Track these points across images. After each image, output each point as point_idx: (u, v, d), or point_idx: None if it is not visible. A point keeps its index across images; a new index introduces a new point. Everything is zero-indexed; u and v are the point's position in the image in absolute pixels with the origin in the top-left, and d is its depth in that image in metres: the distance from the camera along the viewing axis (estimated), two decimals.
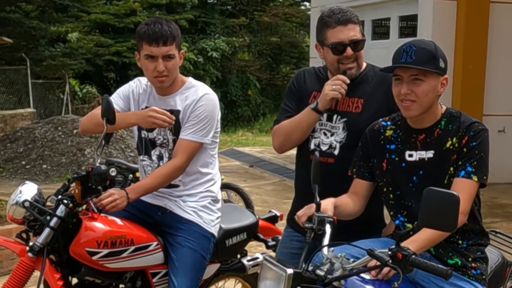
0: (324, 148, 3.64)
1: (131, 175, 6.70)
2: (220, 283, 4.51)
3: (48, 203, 3.65)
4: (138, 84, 3.96)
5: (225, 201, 4.23)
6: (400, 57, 3.06)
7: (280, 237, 4.26)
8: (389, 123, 3.32)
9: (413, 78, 3.06)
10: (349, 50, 3.53)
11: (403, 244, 2.68)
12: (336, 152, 3.61)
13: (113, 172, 3.50)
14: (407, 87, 3.07)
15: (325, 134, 3.65)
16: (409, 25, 13.07)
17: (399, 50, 3.09)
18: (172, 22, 3.83)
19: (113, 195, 3.57)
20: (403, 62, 3.04)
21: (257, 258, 4.30)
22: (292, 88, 3.84)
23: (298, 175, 3.85)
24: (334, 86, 3.51)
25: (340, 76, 3.55)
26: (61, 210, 3.52)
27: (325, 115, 3.63)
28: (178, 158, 3.77)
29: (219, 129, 3.96)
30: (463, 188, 3.00)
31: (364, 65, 3.69)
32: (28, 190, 3.62)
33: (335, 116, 3.62)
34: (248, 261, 4.30)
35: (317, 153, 3.08)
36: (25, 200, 3.55)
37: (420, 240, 2.93)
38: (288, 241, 3.82)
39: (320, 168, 3.49)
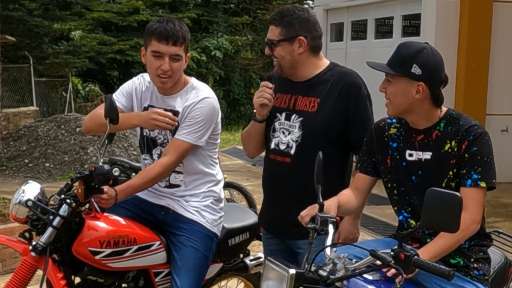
0: (282, 147, 3.70)
1: (133, 174, 6.69)
2: (223, 283, 4.51)
3: (51, 203, 3.65)
4: (141, 81, 3.95)
5: (227, 200, 4.24)
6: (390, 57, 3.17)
7: None
8: (394, 121, 3.35)
9: (387, 79, 3.16)
10: None
11: None
12: (292, 151, 3.66)
13: (116, 171, 3.49)
14: (382, 85, 3.19)
15: (283, 133, 3.71)
16: (412, 24, 13.05)
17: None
18: (184, 24, 3.83)
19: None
20: (387, 61, 3.15)
21: (259, 257, 4.31)
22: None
23: (263, 176, 3.93)
24: (259, 93, 3.63)
25: (263, 82, 3.69)
26: (64, 210, 3.52)
27: (283, 114, 3.71)
28: (168, 157, 3.76)
29: (219, 131, 3.96)
30: (472, 198, 3.02)
31: (326, 63, 3.73)
32: (31, 190, 3.62)
33: (293, 116, 3.67)
34: (251, 260, 4.31)
35: (320, 152, 3.09)
36: (28, 200, 3.54)
37: (432, 250, 2.96)
38: (265, 239, 3.96)
39: (278, 168, 3.63)
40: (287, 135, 3.67)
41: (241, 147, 16.39)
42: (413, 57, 3.08)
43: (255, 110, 3.69)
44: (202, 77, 21.35)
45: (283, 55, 3.63)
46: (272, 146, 3.73)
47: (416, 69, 3.07)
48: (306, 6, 29.52)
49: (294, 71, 3.67)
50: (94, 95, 23.41)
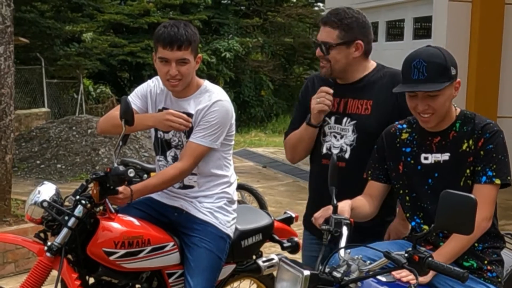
0: (335, 151, 3.64)
1: (145, 175, 6.73)
2: (235, 284, 4.51)
3: (66, 203, 3.68)
4: (156, 84, 3.97)
5: (239, 201, 4.25)
6: (411, 74, 3.06)
7: (296, 239, 4.31)
8: (404, 126, 3.34)
9: (427, 95, 3.06)
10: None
11: None
12: (347, 155, 3.62)
13: (131, 173, 3.51)
14: (423, 103, 3.08)
15: (335, 137, 3.66)
16: (423, 26, 13.04)
17: (408, 65, 3.08)
18: (190, 25, 3.82)
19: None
20: (416, 80, 3.04)
21: (272, 259, 4.31)
22: (299, 98, 3.90)
23: (311, 180, 3.88)
24: (319, 99, 3.55)
25: (323, 87, 3.59)
26: (79, 211, 3.55)
27: (333, 118, 3.65)
28: (184, 161, 3.78)
29: (233, 133, 3.97)
30: (485, 195, 3.03)
31: (374, 65, 3.69)
32: (46, 190, 3.65)
33: (345, 119, 3.63)
34: (263, 262, 4.31)
35: (334, 155, 3.10)
36: (44, 200, 3.57)
37: (446, 252, 2.97)
38: (307, 244, 3.88)
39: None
40: (340, 139, 3.63)
41: (252, 149, 16.54)
42: (446, 61, 3.05)
43: (310, 115, 3.60)
44: (212, 79, 21.42)
45: (338, 59, 3.55)
46: (324, 151, 3.68)
47: (453, 71, 3.07)
48: (316, 8, 29.56)
49: (344, 74, 3.61)
50: (105, 97, 23.49)
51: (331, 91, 3.56)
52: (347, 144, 3.62)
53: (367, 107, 3.58)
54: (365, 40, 3.58)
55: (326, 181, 3.43)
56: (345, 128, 3.63)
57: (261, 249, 4.38)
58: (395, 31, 13.82)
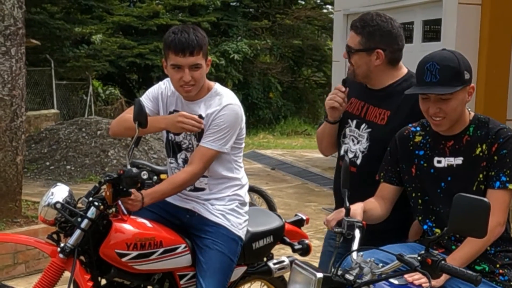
0: (350, 155, 3.68)
1: (155, 177, 6.73)
2: (246, 286, 4.53)
3: (79, 205, 3.70)
4: (167, 86, 3.97)
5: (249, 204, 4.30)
6: (424, 76, 3.07)
7: (306, 241, 4.32)
8: (418, 129, 3.34)
9: (439, 98, 3.08)
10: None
11: None
12: (358, 161, 3.65)
13: (144, 175, 3.53)
14: (435, 106, 3.09)
15: (353, 140, 3.69)
16: (432, 29, 13.01)
17: (422, 68, 3.09)
18: (199, 29, 3.82)
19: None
20: (428, 83, 3.05)
21: (283, 261, 4.32)
22: None
23: (335, 179, 3.89)
24: (331, 96, 3.61)
25: (338, 85, 3.65)
26: (92, 212, 3.57)
27: (354, 122, 3.67)
28: (194, 165, 3.79)
29: (243, 136, 3.98)
30: (499, 200, 3.03)
31: (404, 73, 3.66)
32: (59, 192, 3.67)
33: (363, 125, 3.65)
34: (274, 264, 4.32)
35: (346, 158, 3.11)
36: (57, 202, 3.59)
37: (459, 257, 2.98)
38: (328, 238, 3.90)
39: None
40: (356, 144, 3.66)
41: (260, 151, 16.58)
42: (460, 65, 3.05)
43: (327, 111, 3.68)
44: (221, 81, 21.43)
45: (360, 64, 3.57)
46: (342, 152, 3.72)
47: (466, 75, 3.07)
48: (325, 10, 29.56)
49: (367, 79, 3.63)
50: (114, 98, 23.54)
51: (344, 89, 3.60)
52: (360, 151, 3.64)
53: (384, 117, 3.59)
54: (387, 49, 3.56)
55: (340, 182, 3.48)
56: (361, 134, 3.65)
57: (272, 251, 4.39)
58: (404, 34, 13.79)
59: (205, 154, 3.79)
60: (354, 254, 2.84)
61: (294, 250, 4.36)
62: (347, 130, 3.71)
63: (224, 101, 3.83)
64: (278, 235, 4.29)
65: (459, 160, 3.17)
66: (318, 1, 30.14)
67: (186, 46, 3.68)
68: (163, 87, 3.99)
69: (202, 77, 3.79)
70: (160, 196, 3.79)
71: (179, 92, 3.85)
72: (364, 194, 3.42)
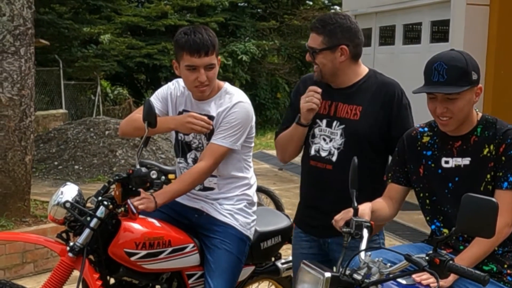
0: (323, 154, 3.71)
1: (163, 177, 6.75)
2: (254, 286, 4.54)
3: (88, 204, 3.72)
4: (176, 86, 3.99)
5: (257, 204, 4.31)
6: (431, 76, 3.08)
7: None
8: (426, 129, 3.35)
9: (446, 98, 3.08)
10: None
11: None
12: (334, 158, 3.68)
13: (153, 174, 3.54)
14: (442, 105, 3.10)
15: (324, 140, 3.72)
16: (440, 30, 12.99)
17: (429, 68, 3.10)
18: (209, 29, 3.83)
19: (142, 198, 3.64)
20: (435, 82, 3.06)
21: (291, 261, 4.33)
22: (291, 98, 3.97)
23: (301, 181, 3.95)
24: (307, 98, 3.62)
25: (311, 87, 3.66)
26: (101, 211, 3.58)
27: (324, 121, 3.72)
28: (205, 161, 3.79)
29: (253, 135, 3.99)
30: (507, 200, 3.03)
31: (366, 71, 3.74)
32: (69, 191, 3.69)
33: (334, 122, 3.69)
34: (282, 264, 4.35)
35: (355, 157, 3.11)
36: (66, 201, 3.61)
37: (467, 257, 2.99)
38: (297, 242, 3.94)
39: (319, 175, 3.63)
40: (329, 142, 3.69)
41: (268, 152, 16.57)
42: (467, 65, 3.06)
43: (300, 114, 3.67)
44: (229, 82, 21.47)
45: (325, 63, 3.64)
46: (312, 152, 3.74)
47: (474, 76, 3.08)
48: (332, 11, 29.52)
49: (334, 78, 3.68)
50: (122, 99, 23.58)
51: (319, 90, 3.63)
52: (335, 148, 3.68)
53: (356, 113, 3.64)
54: (350, 45, 3.63)
55: (313, 181, 3.70)
56: (334, 132, 3.69)
57: (280, 251, 4.40)
58: (412, 35, 13.77)
59: (216, 150, 3.79)
60: (362, 254, 2.84)
61: None
62: (316, 130, 3.73)
63: (234, 99, 3.85)
64: (286, 235, 4.31)
65: (466, 161, 3.18)
66: (326, 1, 30.09)
67: (201, 46, 3.70)
68: (172, 87, 4.00)
69: (215, 76, 3.82)
70: (172, 196, 3.79)
71: (193, 92, 3.86)
72: (341, 190, 3.43)
